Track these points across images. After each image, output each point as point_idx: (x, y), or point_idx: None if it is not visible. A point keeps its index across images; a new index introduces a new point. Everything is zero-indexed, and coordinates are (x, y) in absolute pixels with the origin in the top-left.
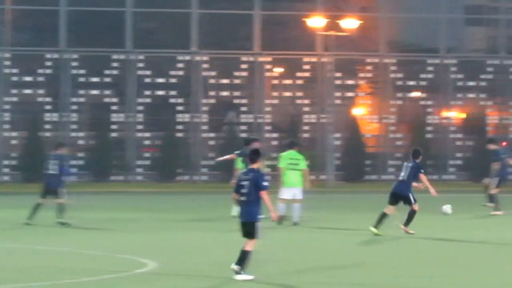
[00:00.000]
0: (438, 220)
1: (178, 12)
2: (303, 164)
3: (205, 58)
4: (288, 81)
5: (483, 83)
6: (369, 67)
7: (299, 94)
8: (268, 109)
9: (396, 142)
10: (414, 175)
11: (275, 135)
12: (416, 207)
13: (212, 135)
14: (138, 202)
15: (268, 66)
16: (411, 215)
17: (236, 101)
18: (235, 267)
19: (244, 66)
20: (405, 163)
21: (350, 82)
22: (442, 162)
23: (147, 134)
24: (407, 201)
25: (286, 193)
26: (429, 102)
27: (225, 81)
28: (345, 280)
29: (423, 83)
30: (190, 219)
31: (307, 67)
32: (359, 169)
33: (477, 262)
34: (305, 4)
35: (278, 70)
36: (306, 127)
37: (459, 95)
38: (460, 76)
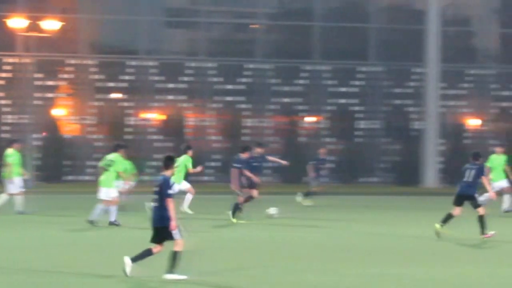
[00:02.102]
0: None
1: None
2: (117, 166)
3: None
4: None
5: (182, 85)
6: (69, 68)
7: (0, 94)
8: None
9: (95, 143)
10: (478, 177)
11: None
12: (482, 210)
13: None
14: None
15: None
16: (482, 220)
17: None
18: (167, 276)
19: None
20: (467, 165)
21: (50, 83)
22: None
23: None
24: (473, 202)
25: (101, 194)
26: (129, 104)
27: None
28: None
29: (123, 84)
30: None
31: (7, 67)
32: (58, 169)
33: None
34: (4, 5)
35: None
36: (6, 128)
37: (159, 96)
38: (160, 78)
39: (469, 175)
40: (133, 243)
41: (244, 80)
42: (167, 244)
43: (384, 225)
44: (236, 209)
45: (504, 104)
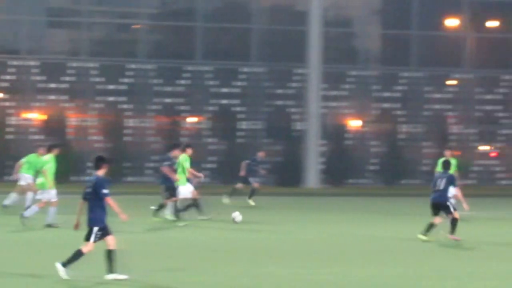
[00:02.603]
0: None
1: None
2: (52, 166)
3: None
4: None
5: (64, 85)
6: None
7: None
8: None
9: None
10: (449, 184)
11: None
12: (456, 214)
13: None
14: None
15: None
16: (454, 223)
17: None
18: (108, 276)
19: None
20: (438, 174)
21: None
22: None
23: None
24: (447, 210)
25: (39, 195)
26: (10, 103)
27: None
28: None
29: (4, 84)
30: None
31: None
32: None
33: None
34: None
35: None
36: None
37: (41, 96)
38: (41, 78)
39: (440, 184)
40: (62, 243)
41: (126, 80)
42: (99, 244)
43: (272, 225)
44: (178, 211)
45: (385, 105)
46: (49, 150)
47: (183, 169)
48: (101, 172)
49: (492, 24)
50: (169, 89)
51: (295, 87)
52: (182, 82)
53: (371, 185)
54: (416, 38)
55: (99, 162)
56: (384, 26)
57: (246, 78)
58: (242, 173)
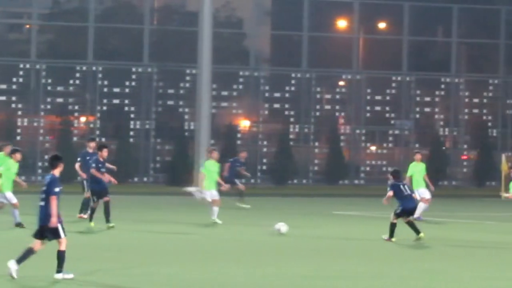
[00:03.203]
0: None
1: None
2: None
3: None
4: None
5: None
6: None
7: None
8: None
9: None
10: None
11: None
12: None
13: None
14: None
15: None
16: (410, 225)
17: None
18: (56, 276)
19: None
20: (401, 183)
21: None
22: None
23: None
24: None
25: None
26: None
27: None
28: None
29: None
30: None
31: None
32: None
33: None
34: None
35: None
36: None
37: None
38: None
39: (405, 190)
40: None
41: (18, 80)
42: (51, 244)
43: (168, 225)
44: (92, 211)
45: (276, 105)
46: (12, 153)
47: (210, 173)
48: (56, 171)
49: (382, 25)
50: (60, 88)
51: (186, 87)
52: (74, 82)
53: (261, 185)
54: (307, 39)
55: (54, 161)
56: (275, 27)
57: (137, 78)
58: (225, 173)
